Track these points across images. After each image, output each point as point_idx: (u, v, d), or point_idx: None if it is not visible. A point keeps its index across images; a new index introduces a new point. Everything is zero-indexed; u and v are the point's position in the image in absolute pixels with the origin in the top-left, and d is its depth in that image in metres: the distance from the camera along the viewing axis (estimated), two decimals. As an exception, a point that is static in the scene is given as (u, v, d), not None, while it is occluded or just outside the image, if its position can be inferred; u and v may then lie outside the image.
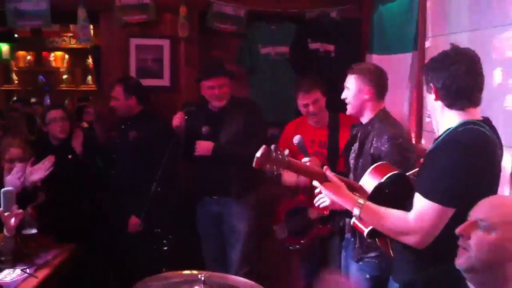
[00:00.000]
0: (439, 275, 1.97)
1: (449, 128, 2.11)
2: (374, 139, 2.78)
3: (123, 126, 3.98)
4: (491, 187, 2.06)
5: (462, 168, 2.00)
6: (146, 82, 4.22)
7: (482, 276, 1.74)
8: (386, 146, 2.71)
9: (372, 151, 2.76)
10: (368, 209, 2.18)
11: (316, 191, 2.38)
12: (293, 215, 3.46)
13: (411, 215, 2.06)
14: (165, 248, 2.97)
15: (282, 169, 2.18)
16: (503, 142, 2.17)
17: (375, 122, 2.83)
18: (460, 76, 2.07)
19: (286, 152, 2.18)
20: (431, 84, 2.15)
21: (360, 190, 2.32)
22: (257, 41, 4.48)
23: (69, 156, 3.78)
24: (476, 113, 2.12)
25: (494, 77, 2.60)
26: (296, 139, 2.82)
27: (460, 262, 1.76)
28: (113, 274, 3.82)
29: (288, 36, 4.45)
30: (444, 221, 2.01)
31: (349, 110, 2.93)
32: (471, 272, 1.75)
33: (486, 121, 2.13)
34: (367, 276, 2.78)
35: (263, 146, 2.14)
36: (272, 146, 2.15)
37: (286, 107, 4.38)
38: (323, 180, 2.28)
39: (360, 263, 2.83)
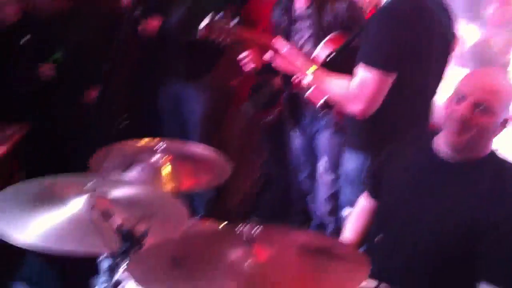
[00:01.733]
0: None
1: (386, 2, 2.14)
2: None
3: (69, 24, 3.78)
4: (432, 52, 2.14)
5: (398, 34, 2.06)
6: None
7: (467, 151, 1.83)
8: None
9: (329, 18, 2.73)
10: (319, 75, 2.25)
11: (265, 57, 2.38)
12: (258, 88, 3.43)
13: (355, 82, 2.12)
14: (121, 126, 2.93)
15: (229, 38, 2.18)
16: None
17: None
18: None
19: (236, 20, 2.18)
20: None
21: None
22: None
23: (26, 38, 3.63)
24: None
25: None
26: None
27: (454, 140, 1.82)
28: (70, 151, 3.82)
29: None
30: (386, 87, 2.08)
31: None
32: (459, 149, 1.83)
33: None
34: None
35: (211, 14, 2.14)
36: (218, 15, 2.14)
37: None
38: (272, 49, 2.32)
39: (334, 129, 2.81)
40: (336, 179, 2.60)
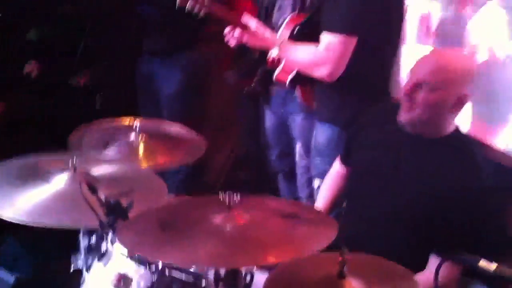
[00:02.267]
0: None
1: None
2: None
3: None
4: (389, 21, 2.34)
5: (358, 1, 2.25)
6: None
7: (422, 127, 1.95)
8: None
9: None
10: (285, 45, 2.41)
11: (235, 35, 2.50)
12: (240, 57, 3.49)
13: (321, 47, 2.28)
14: (97, 104, 2.99)
15: (203, 9, 2.29)
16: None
17: None
18: None
19: None
20: None
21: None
22: None
23: None
24: None
25: None
26: None
27: (406, 117, 1.95)
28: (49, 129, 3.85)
29: None
30: (350, 50, 2.24)
31: None
32: (413, 125, 1.96)
33: None
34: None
35: None
36: None
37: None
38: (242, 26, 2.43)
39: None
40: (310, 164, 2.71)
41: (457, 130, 1.99)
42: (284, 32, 2.57)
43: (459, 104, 1.91)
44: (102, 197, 1.46)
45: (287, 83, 2.52)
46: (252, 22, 2.50)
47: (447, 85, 1.88)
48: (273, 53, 2.43)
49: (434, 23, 2.70)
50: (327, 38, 2.26)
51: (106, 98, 3.08)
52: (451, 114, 1.94)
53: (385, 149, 2.06)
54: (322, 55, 2.27)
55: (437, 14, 2.69)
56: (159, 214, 1.50)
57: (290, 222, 1.43)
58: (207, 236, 1.38)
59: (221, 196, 1.43)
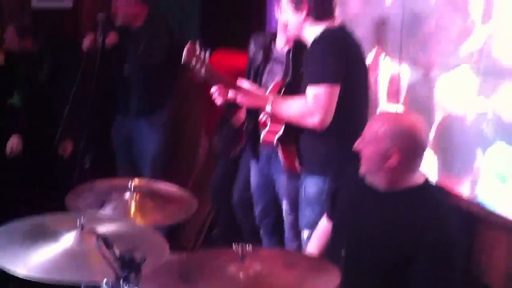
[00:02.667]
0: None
1: (316, 36, 2.55)
2: None
3: (29, 66, 3.94)
4: (360, 70, 2.62)
5: (331, 53, 2.50)
6: (48, 4, 4.22)
7: (374, 179, 2.15)
8: None
9: None
10: (276, 102, 2.61)
11: (229, 96, 2.69)
12: (224, 124, 3.67)
13: (308, 99, 2.49)
14: (87, 165, 3.11)
15: (203, 70, 2.48)
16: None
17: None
18: None
19: (208, 53, 2.48)
20: (305, 3, 2.57)
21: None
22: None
23: None
24: (335, 22, 2.61)
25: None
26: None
27: (361, 170, 2.16)
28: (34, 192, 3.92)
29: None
30: (335, 98, 2.47)
31: (284, 38, 2.95)
32: (368, 175, 2.16)
33: (343, 27, 2.65)
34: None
35: (190, 42, 2.52)
36: (197, 43, 2.44)
37: (189, 29, 4.58)
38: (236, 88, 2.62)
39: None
40: (297, 218, 2.84)
41: (422, 183, 2.13)
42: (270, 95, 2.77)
43: (389, 158, 2.06)
44: (117, 252, 1.56)
45: (275, 142, 2.70)
46: (245, 83, 2.70)
47: (374, 140, 2.09)
48: (267, 108, 2.60)
49: (404, 84, 2.91)
50: (313, 90, 2.47)
51: (93, 159, 3.19)
52: (392, 168, 2.08)
53: (358, 202, 2.22)
54: (310, 106, 2.47)
55: (406, 75, 2.90)
56: (178, 267, 1.62)
57: (297, 270, 1.56)
58: (223, 285, 1.50)
59: (234, 247, 1.56)
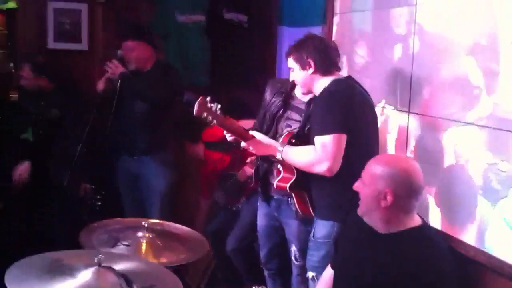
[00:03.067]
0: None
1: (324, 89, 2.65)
2: None
3: (42, 103, 4.02)
4: (367, 119, 2.69)
5: (336, 105, 2.57)
6: (64, 46, 4.34)
7: (370, 220, 2.21)
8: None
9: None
10: (286, 150, 2.69)
11: (242, 145, 2.78)
12: (226, 179, 3.76)
13: (317, 148, 2.57)
14: (99, 203, 3.16)
15: (216, 121, 2.56)
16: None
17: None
18: (328, 49, 2.73)
19: (219, 106, 2.56)
20: (309, 60, 2.69)
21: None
22: (174, 8, 4.66)
23: None
24: (341, 75, 2.73)
25: (393, 48, 3.06)
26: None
27: (359, 211, 2.23)
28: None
29: (204, 5, 4.69)
30: (342, 146, 2.55)
31: (301, 91, 2.95)
32: (364, 216, 2.23)
33: (349, 77, 2.76)
34: (309, 228, 2.89)
35: (201, 96, 2.57)
36: (208, 98, 2.52)
37: (199, 73, 4.70)
38: (249, 138, 2.73)
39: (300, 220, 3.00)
40: (305, 265, 2.86)
41: (420, 225, 2.19)
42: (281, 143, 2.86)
43: (383, 198, 2.12)
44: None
45: (288, 189, 2.77)
46: (258, 134, 2.79)
47: (370, 181, 2.17)
48: (278, 156, 2.70)
49: (412, 134, 2.97)
50: (320, 140, 2.55)
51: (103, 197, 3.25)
52: (386, 209, 2.14)
53: (356, 245, 2.28)
54: (319, 153, 2.55)
55: (413, 126, 2.96)
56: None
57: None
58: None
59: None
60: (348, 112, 2.57)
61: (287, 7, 4.37)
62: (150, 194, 4.00)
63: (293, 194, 2.82)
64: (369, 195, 2.16)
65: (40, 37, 4.34)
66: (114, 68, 3.74)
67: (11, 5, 4.88)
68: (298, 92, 3.01)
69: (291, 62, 2.80)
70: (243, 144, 2.79)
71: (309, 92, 2.85)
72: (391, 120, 3.11)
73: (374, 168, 2.18)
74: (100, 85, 3.77)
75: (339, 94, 2.61)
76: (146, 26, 4.38)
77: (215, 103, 2.63)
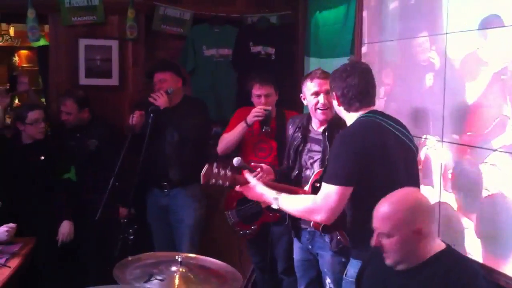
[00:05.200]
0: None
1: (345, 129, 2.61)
2: None
3: (78, 135, 4.09)
4: (385, 166, 2.49)
5: (351, 153, 2.46)
6: (95, 82, 4.43)
7: (403, 264, 2.15)
8: None
9: None
10: (283, 199, 2.65)
11: (237, 188, 2.82)
12: (245, 203, 3.72)
13: (319, 198, 2.51)
14: (131, 237, 3.16)
15: (228, 183, 2.71)
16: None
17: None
18: (354, 86, 2.56)
19: (229, 170, 2.68)
20: (333, 93, 2.64)
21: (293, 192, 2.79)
22: (201, 43, 4.74)
23: (41, 157, 3.90)
24: (372, 109, 2.60)
25: (420, 77, 3.05)
26: (236, 161, 2.88)
27: (388, 262, 2.17)
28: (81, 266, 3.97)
29: (231, 39, 4.75)
30: (345, 199, 2.47)
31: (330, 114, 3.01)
32: (398, 264, 2.16)
33: (376, 111, 2.60)
34: (343, 259, 2.94)
35: (206, 165, 2.68)
36: (214, 164, 2.66)
37: (227, 106, 4.75)
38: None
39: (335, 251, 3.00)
40: None
41: (445, 248, 2.15)
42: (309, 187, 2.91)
43: (419, 236, 2.09)
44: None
45: (320, 230, 2.76)
46: (252, 180, 2.78)
47: (398, 229, 2.10)
48: (274, 205, 2.68)
49: (449, 170, 2.91)
50: (326, 188, 2.48)
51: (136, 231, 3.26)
52: (419, 244, 2.11)
53: (380, 283, 2.25)
54: (320, 204, 2.48)
55: (448, 156, 2.92)
56: None
57: None
58: None
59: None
60: (361, 159, 2.45)
61: (314, 39, 4.41)
62: (178, 226, 4.02)
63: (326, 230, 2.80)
64: (401, 241, 2.10)
65: (72, 73, 4.44)
66: (159, 98, 3.81)
67: (43, 42, 5.04)
68: (314, 124, 3.11)
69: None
70: (237, 187, 2.81)
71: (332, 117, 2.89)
72: (424, 151, 3.08)
73: (390, 217, 2.11)
74: (135, 120, 3.82)
75: (353, 138, 2.52)
76: (173, 61, 4.46)
77: (223, 166, 2.71)
